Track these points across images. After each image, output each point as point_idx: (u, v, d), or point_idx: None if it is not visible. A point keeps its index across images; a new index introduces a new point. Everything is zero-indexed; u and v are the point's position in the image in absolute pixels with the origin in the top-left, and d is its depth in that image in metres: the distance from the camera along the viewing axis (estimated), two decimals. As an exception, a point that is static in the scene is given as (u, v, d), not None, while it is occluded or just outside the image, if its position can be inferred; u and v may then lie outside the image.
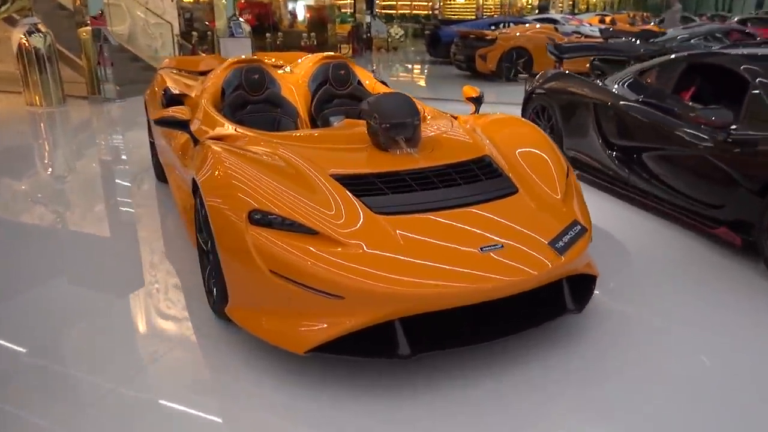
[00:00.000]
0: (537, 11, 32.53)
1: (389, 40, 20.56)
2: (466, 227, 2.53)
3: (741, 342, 2.81)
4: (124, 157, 6.77)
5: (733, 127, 3.57)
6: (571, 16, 20.34)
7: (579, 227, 2.73)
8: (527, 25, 14.25)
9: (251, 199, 2.53)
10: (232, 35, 13.06)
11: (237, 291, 2.60)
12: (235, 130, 3.38)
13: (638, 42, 8.26)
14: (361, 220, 2.48)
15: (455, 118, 3.72)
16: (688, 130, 3.88)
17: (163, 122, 3.34)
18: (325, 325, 2.33)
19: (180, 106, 3.66)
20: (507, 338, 2.55)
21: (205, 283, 3.05)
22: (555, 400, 2.37)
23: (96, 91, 10.17)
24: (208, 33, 12.06)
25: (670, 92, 4.42)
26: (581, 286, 2.74)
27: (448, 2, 28.28)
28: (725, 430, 2.22)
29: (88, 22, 10.21)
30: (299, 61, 5.11)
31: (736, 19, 26.33)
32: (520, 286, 2.40)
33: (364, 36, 18.44)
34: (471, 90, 4.05)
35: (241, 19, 13.36)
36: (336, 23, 19.82)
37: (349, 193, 2.60)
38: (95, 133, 8.36)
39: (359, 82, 4.58)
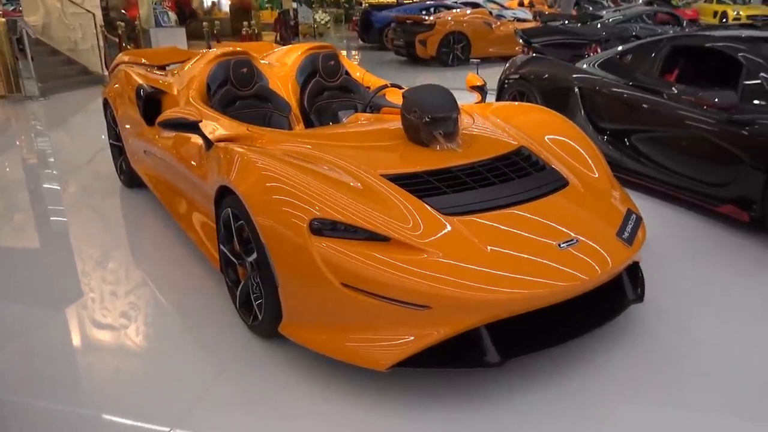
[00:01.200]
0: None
1: (315, 26, 20.12)
2: (535, 223, 2.43)
3: (758, 313, 2.92)
4: (51, 159, 6.19)
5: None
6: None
7: (635, 216, 2.71)
8: (459, 10, 14.31)
9: (310, 207, 2.31)
10: (158, 24, 12.30)
11: (297, 307, 2.38)
12: (248, 129, 3.11)
13: (599, 26, 8.47)
14: (435, 223, 2.32)
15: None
16: (688, 112, 3.98)
17: (171, 124, 3.01)
18: (410, 338, 2.17)
19: (186, 107, 3.33)
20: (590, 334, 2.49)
21: (238, 301, 2.80)
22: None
23: (15, 89, 9.27)
24: (137, 23, 11.25)
25: (657, 75, 4.52)
26: (630, 273, 2.73)
27: (369, -14, 28.10)
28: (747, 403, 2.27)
29: (1, 13, 9.26)
30: (275, 51, 4.84)
31: (640, 0, 27.85)
32: (599, 280, 2.34)
33: (291, 23, 17.90)
34: (475, 78, 3.96)
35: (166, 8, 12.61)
36: (260, 10, 19.19)
37: (411, 195, 2.44)
38: (17, 134, 7.58)
39: (347, 73, 4.37)
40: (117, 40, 10.86)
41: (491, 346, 2.20)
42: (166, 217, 4.12)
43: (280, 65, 4.42)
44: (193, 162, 3.19)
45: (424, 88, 2.96)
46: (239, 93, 3.91)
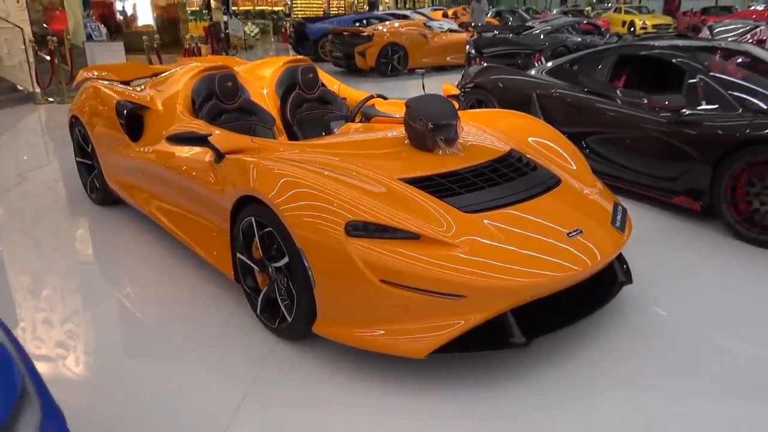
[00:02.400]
0: (367, 8, 33.84)
1: (245, 38, 20.00)
2: (543, 217, 2.70)
3: (713, 288, 3.35)
4: None
5: (684, 110, 4.14)
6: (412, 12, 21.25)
7: (620, 207, 3.04)
8: (392, 22, 14.68)
9: (343, 210, 2.47)
10: (90, 39, 11.89)
11: (333, 306, 2.52)
12: (252, 140, 3.21)
13: (541, 36, 9.00)
14: (458, 219, 2.54)
15: None
16: (640, 114, 4.41)
17: (181, 139, 3.07)
18: (446, 326, 2.37)
19: (196, 120, 3.38)
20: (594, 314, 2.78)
21: (260, 306, 2.90)
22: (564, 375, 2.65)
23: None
24: (68, 38, 10.82)
25: (606, 81, 4.96)
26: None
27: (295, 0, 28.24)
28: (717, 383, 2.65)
29: None
30: (245, 64, 4.93)
31: (554, 11, 29.44)
32: (604, 263, 2.64)
33: (222, 35, 17.73)
34: (451, 88, 4.22)
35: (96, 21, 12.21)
36: (189, 22, 18.87)
37: (431, 196, 2.64)
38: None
39: (323, 85, 4.53)
40: (47, 56, 10.43)
41: (517, 328, 2.44)
42: (122, 234, 4.19)
43: (257, 78, 4.52)
44: (198, 175, 3.25)
45: (426, 98, 3.18)
46: (225, 106, 3.99)
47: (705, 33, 10.81)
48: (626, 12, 25.13)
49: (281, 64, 4.47)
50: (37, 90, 10.23)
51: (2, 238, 4.28)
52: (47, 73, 10.22)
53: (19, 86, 10.52)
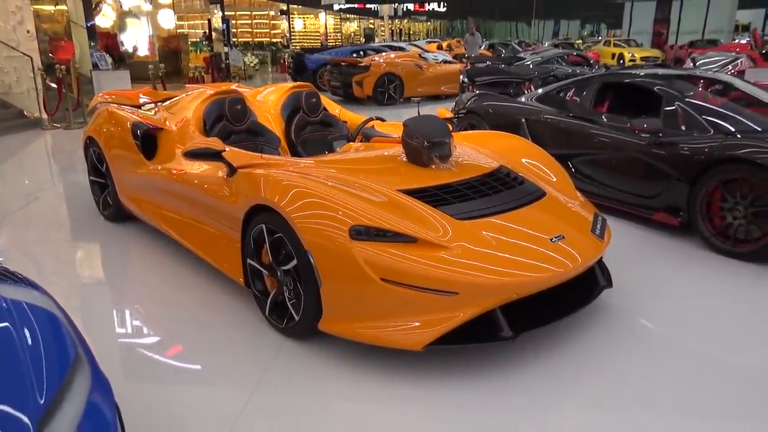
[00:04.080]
0: (363, 40, 34.80)
1: (245, 68, 20.50)
2: (529, 223, 2.97)
3: (691, 297, 3.60)
4: None
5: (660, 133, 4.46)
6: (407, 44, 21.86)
7: (600, 217, 3.31)
8: (388, 53, 15.15)
9: (347, 217, 2.73)
10: (96, 67, 12.28)
11: (338, 304, 2.76)
12: (261, 157, 3.49)
13: (531, 66, 9.41)
14: (451, 225, 2.80)
15: None
16: (622, 137, 4.72)
17: (197, 154, 3.34)
18: (440, 321, 2.61)
19: (211, 138, 3.65)
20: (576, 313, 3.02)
21: (268, 308, 3.13)
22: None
23: (-50, 133, 9.02)
24: (76, 67, 11.17)
25: (590, 107, 5.29)
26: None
27: (293, 32, 28.96)
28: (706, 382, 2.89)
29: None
30: (251, 90, 5.24)
31: (546, 44, 30.22)
32: (584, 266, 2.90)
33: (222, 65, 18.21)
34: (445, 111, 4.53)
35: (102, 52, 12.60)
36: (190, 53, 19.36)
37: (427, 205, 2.91)
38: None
39: (325, 109, 4.83)
40: (54, 84, 10.76)
41: (505, 323, 2.68)
42: (131, 249, 4.40)
43: (263, 102, 4.82)
44: (211, 188, 3.50)
45: (422, 118, 3.47)
46: (234, 128, 4.28)
47: (688, 64, 11.27)
48: (615, 45, 25.85)
49: (286, 89, 4.78)
50: (45, 116, 10.53)
51: (10, 258, 4.52)
52: (54, 100, 10.54)
53: (26, 113, 10.82)
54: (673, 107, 4.62)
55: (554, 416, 2.50)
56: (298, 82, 5.00)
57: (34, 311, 1.67)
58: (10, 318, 1.56)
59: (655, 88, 4.87)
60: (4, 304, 1.60)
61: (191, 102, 4.41)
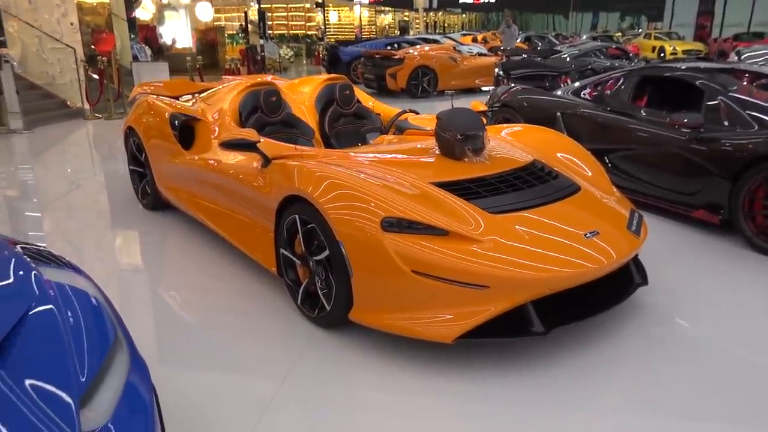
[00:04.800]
0: (398, 33, 34.71)
1: (280, 61, 20.67)
2: (562, 218, 2.93)
3: (730, 299, 3.49)
4: (33, 191, 6.38)
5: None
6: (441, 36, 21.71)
7: (637, 213, 3.25)
8: (422, 46, 15.08)
9: (379, 209, 2.74)
10: (135, 59, 12.54)
11: (368, 295, 2.78)
12: (295, 148, 3.52)
13: (567, 59, 9.26)
14: (483, 219, 2.78)
15: None
16: (661, 132, 4.62)
17: (232, 145, 3.40)
18: (471, 314, 2.60)
19: (246, 129, 3.71)
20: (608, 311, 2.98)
21: (300, 297, 3.17)
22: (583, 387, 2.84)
23: (-2, 123, 9.35)
24: (117, 58, 11.45)
25: (629, 101, 5.18)
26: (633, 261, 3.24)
27: (328, 24, 29.07)
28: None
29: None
30: (286, 82, 5.28)
31: (584, 36, 29.66)
32: (618, 263, 2.85)
33: (258, 57, 18.40)
34: (479, 104, 4.49)
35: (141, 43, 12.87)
36: (227, 45, 19.61)
37: (459, 198, 2.90)
38: (0, 166, 7.71)
39: (359, 101, 4.84)
40: (95, 75, 11.04)
41: (537, 318, 2.66)
42: (169, 236, 4.48)
43: (297, 94, 4.86)
44: (246, 178, 3.56)
45: (456, 111, 3.46)
46: (268, 119, 4.33)
47: (733, 58, 10.93)
48: (656, 38, 25.23)
49: (320, 81, 4.81)
50: (87, 106, 10.82)
51: (52, 244, 4.67)
52: (96, 91, 10.82)
53: (69, 103, 11.14)
54: (716, 102, 4.49)
55: (585, 416, 2.47)
56: (332, 74, 5.02)
57: (76, 294, 1.72)
58: (55, 301, 1.62)
59: (696, 82, 4.74)
60: (49, 288, 1.66)
61: (227, 93, 4.48)
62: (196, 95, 5.11)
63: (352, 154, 3.49)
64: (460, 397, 2.57)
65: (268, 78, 5.29)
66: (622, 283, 3.08)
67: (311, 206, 2.93)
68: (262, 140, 3.44)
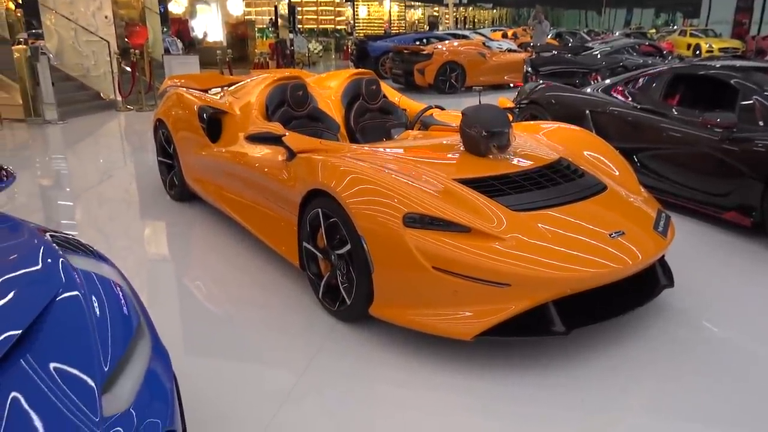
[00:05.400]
0: (427, 28, 34.57)
1: (309, 55, 20.76)
2: (587, 218, 2.89)
3: (758, 303, 3.40)
4: (66, 180, 6.53)
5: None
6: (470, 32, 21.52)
7: (665, 214, 3.19)
8: (451, 41, 14.97)
9: (401, 205, 2.74)
10: (167, 52, 12.73)
11: (389, 290, 2.79)
12: (320, 143, 3.54)
13: (598, 56, 9.12)
14: (507, 216, 2.76)
15: None
16: (692, 131, 4.52)
17: (258, 138, 3.43)
18: (491, 312, 2.59)
19: (271, 123, 3.74)
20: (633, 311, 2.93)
21: (321, 291, 3.19)
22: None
23: (33, 113, 9.58)
24: (149, 51, 11.65)
25: (660, 99, 5.08)
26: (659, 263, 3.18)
27: (357, 19, 29.11)
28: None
29: (21, 40, 9.62)
30: (313, 76, 5.31)
31: (617, 33, 29.14)
32: (643, 264, 2.80)
33: (287, 51, 18.52)
34: (506, 101, 4.45)
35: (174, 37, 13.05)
36: (257, 39, 19.77)
37: (482, 195, 2.88)
38: (36, 155, 7.89)
39: (385, 96, 4.84)
40: (129, 68, 11.25)
41: (557, 318, 2.63)
42: (195, 226, 4.55)
43: (324, 89, 4.88)
44: (270, 171, 3.59)
45: (482, 107, 3.43)
46: (295, 113, 4.35)
47: (771, 56, 10.61)
48: (692, 35, 24.64)
49: (347, 76, 4.82)
50: (119, 98, 11.03)
51: (83, 233, 4.78)
52: (128, 83, 11.01)
53: (102, 94, 11.36)
54: (751, 101, 4.37)
55: (606, 418, 2.44)
56: (359, 69, 5.02)
57: (102, 282, 1.76)
58: (81, 288, 1.66)
59: (731, 81, 4.62)
60: (76, 275, 1.70)
61: (255, 87, 4.52)
62: (225, 88, 5.16)
63: (376, 149, 3.49)
64: (478, 394, 2.56)
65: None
66: (647, 285, 3.03)
67: (334, 200, 2.95)
68: (287, 134, 3.47)
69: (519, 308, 2.58)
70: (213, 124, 4.51)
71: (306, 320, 3.19)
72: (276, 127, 3.43)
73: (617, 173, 3.52)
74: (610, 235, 2.79)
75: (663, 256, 3.16)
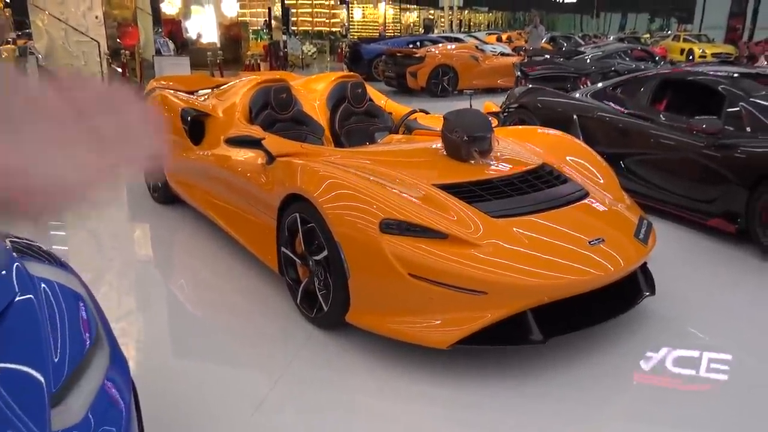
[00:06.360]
0: (422, 31, 34.58)
1: (302, 57, 20.72)
2: (566, 225, 2.86)
3: (743, 311, 3.39)
4: None
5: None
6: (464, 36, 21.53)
7: (646, 221, 3.16)
8: (445, 45, 14.95)
9: (378, 210, 2.70)
10: (159, 53, 12.67)
11: (365, 297, 2.75)
12: (301, 146, 3.50)
13: (588, 61, 9.12)
14: (485, 223, 2.73)
15: None
16: (678, 137, 4.50)
17: (237, 141, 3.40)
18: (468, 320, 2.55)
19: (252, 126, 3.70)
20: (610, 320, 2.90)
21: (299, 297, 3.15)
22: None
23: (22, 114, 9.50)
24: (139, 52, 11.60)
25: (647, 104, 5.07)
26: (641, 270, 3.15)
27: (352, 21, 29.09)
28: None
29: (10, 39, 9.55)
30: (299, 79, 5.28)
31: (611, 37, 29.21)
32: (624, 272, 2.77)
33: (281, 53, 18.47)
34: (492, 105, 4.43)
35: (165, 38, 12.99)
36: (250, 41, 19.72)
37: (461, 201, 2.85)
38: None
39: (371, 100, 4.80)
40: (119, 68, 11.20)
41: (535, 326, 2.60)
42: (179, 230, 4.51)
43: (310, 92, 4.84)
44: (250, 175, 3.55)
45: (463, 111, 3.40)
46: (278, 116, 4.31)
47: (762, 62, 10.65)
48: (685, 40, 24.72)
49: (333, 79, 4.78)
50: (109, 99, 10.94)
51: (73, 234, 4.72)
52: (118, 84, 10.93)
53: (92, 95, 11.28)
54: (737, 108, 4.36)
55: (586, 428, 2.41)
56: (345, 72, 4.99)
57: (60, 290, 1.71)
58: (37, 296, 1.61)
59: (718, 87, 4.61)
60: (33, 283, 1.65)
61: (239, 90, 4.47)
62: (210, 91, 5.12)
63: (357, 153, 3.46)
64: (455, 404, 2.53)
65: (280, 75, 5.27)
66: (628, 293, 3.00)
67: (311, 205, 2.91)
68: (267, 137, 3.43)
69: (496, 316, 2.54)
70: (196, 126, 4.46)
71: (284, 328, 3.14)
72: (255, 131, 3.39)
73: (600, 179, 3.49)
74: (589, 242, 2.76)
75: (645, 263, 3.13)
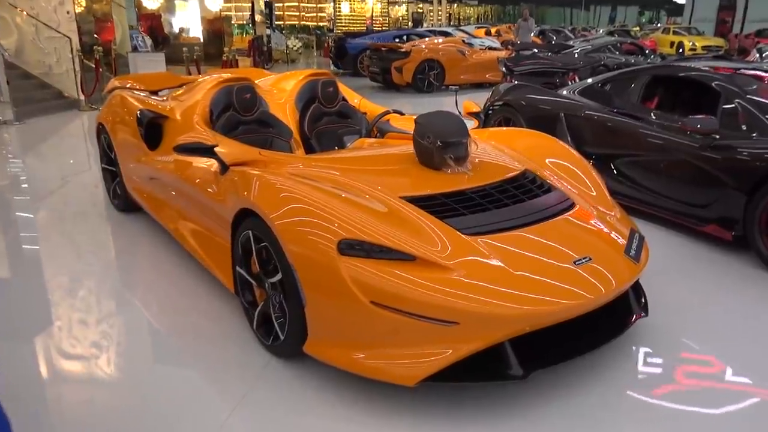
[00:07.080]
0: (411, 25, 34.21)
1: (287, 52, 20.32)
2: (550, 242, 2.56)
3: (740, 322, 3.14)
4: (25, 186, 6.08)
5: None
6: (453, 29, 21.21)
7: (638, 235, 2.87)
8: (431, 39, 14.63)
9: (337, 228, 2.39)
10: (135, 50, 12.26)
11: (323, 326, 2.44)
12: (260, 153, 3.18)
13: (576, 55, 8.82)
14: (457, 242, 2.43)
15: None
16: (671, 137, 4.21)
17: (187, 149, 3.07)
18: (438, 353, 2.25)
19: (205, 131, 3.38)
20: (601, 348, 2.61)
21: (255, 322, 2.84)
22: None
23: (-12, 113, 9.10)
24: (114, 48, 11.18)
25: (638, 102, 4.77)
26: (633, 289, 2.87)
27: (339, 16, 28.69)
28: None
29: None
30: (270, 77, 4.94)
31: (601, 30, 28.98)
32: (614, 294, 2.48)
33: (264, 48, 18.06)
34: (472, 105, 4.12)
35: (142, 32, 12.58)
36: (234, 36, 19.31)
37: (431, 216, 2.54)
38: None
39: (344, 99, 4.48)
40: (93, 65, 10.80)
41: (515, 359, 2.30)
42: (142, 241, 4.20)
43: (278, 91, 4.52)
44: (204, 185, 3.23)
45: (436, 114, 3.09)
46: (242, 118, 3.98)
47: (754, 55, 10.40)
48: (675, 33, 24.51)
49: (302, 77, 4.45)
50: (82, 97, 10.56)
51: (41, 239, 4.40)
52: (93, 81, 10.55)
53: (65, 93, 10.88)
54: (733, 105, 4.08)
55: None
56: (316, 70, 4.66)
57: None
58: None
59: (712, 84, 4.32)
60: None
61: (200, 89, 4.14)
62: (173, 90, 4.78)
63: (321, 160, 3.14)
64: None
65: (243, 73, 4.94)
66: (619, 314, 2.71)
67: (263, 222, 2.59)
68: (221, 144, 3.10)
69: (469, 350, 2.24)
70: (153, 129, 4.13)
71: (241, 354, 2.83)
72: (208, 137, 3.06)
73: (588, 187, 3.19)
74: (575, 262, 2.46)
75: (637, 281, 2.85)
